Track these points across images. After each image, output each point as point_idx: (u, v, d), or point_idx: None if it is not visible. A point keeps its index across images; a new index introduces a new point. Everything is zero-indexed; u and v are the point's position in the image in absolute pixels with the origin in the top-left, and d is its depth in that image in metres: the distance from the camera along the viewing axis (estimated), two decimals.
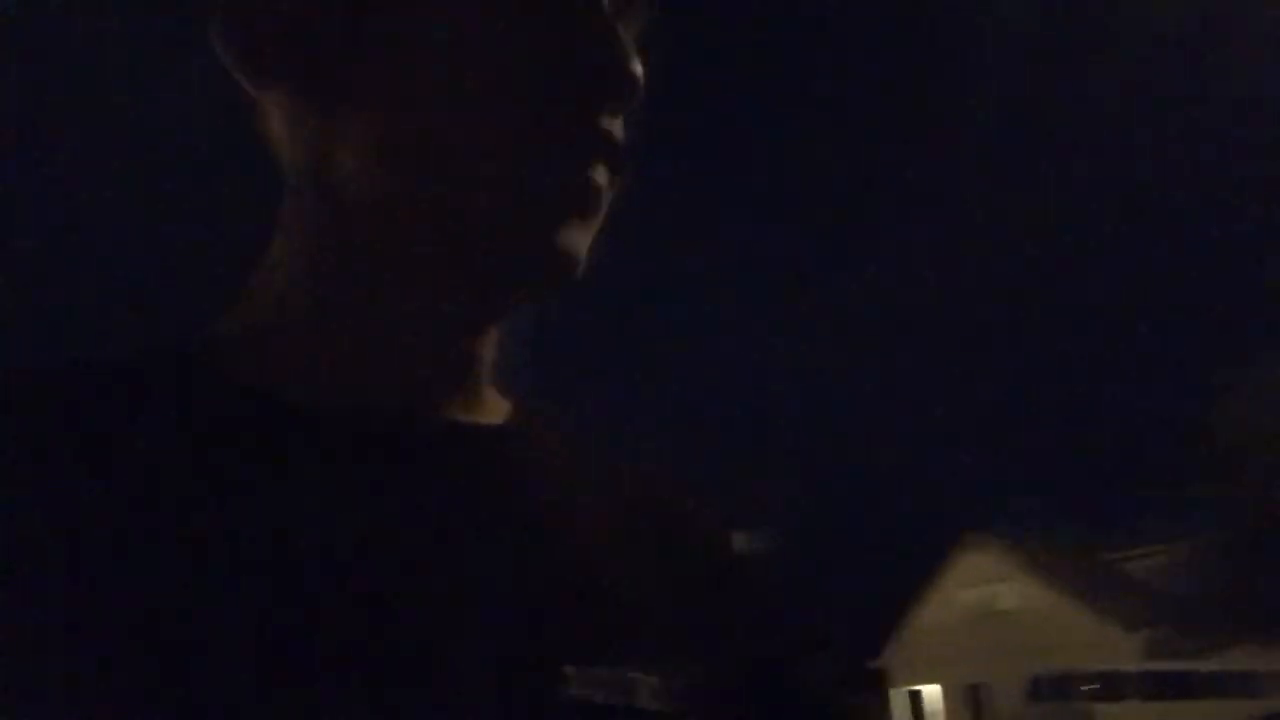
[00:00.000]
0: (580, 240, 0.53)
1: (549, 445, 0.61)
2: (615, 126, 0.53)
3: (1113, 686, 18.64)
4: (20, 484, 0.46)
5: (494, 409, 0.60)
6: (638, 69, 0.53)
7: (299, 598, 0.45)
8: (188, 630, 0.43)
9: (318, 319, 0.54)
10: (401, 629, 0.46)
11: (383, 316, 0.54)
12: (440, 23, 0.51)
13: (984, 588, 27.11)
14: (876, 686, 28.96)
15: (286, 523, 0.47)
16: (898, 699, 28.96)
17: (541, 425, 0.62)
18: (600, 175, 0.52)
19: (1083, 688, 18.64)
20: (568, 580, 0.54)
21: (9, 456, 0.47)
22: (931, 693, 28.48)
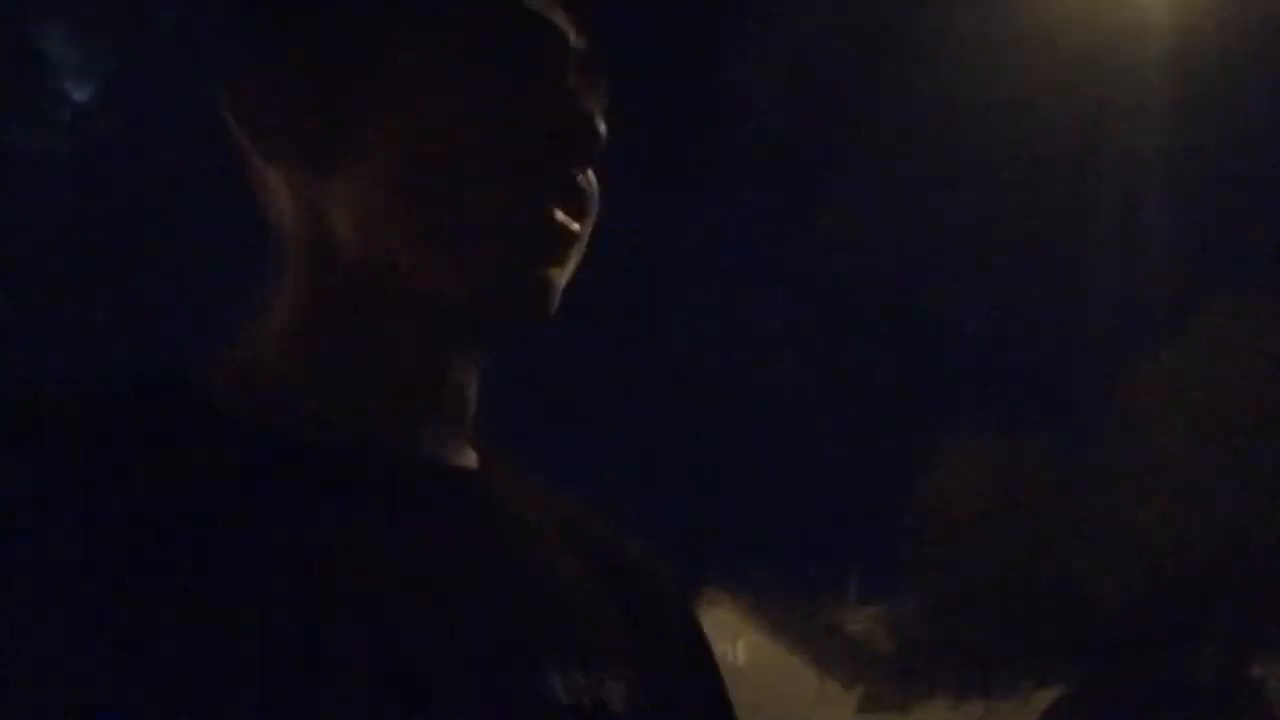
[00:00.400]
0: (556, 280, 0.56)
1: (516, 488, 0.63)
2: (583, 179, 0.57)
3: None
4: (16, 511, 0.46)
5: (470, 450, 0.62)
6: (600, 128, 0.56)
7: (276, 626, 0.46)
8: (176, 659, 0.44)
9: (309, 361, 0.56)
10: (376, 657, 0.48)
11: (371, 361, 0.56)
12: (423, 99, 0.54)
13: (720, 645, 27.75)
14: None
15: (269, 552, 0.49)
16: None
17: (509, 467, 0.64)
18: (571, 222, 0.56)
19: None
20: (533, 611, 0.56)
21: (7, 482, 0.47)
22: None
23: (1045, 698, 15.01)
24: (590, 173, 0.58)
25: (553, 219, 0.55)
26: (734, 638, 27.94)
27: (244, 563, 0.48)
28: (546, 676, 0.53)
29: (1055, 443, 16.36)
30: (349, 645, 0.47)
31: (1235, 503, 13.90)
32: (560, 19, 0.59)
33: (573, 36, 0.59)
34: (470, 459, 0.61)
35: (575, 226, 0.56)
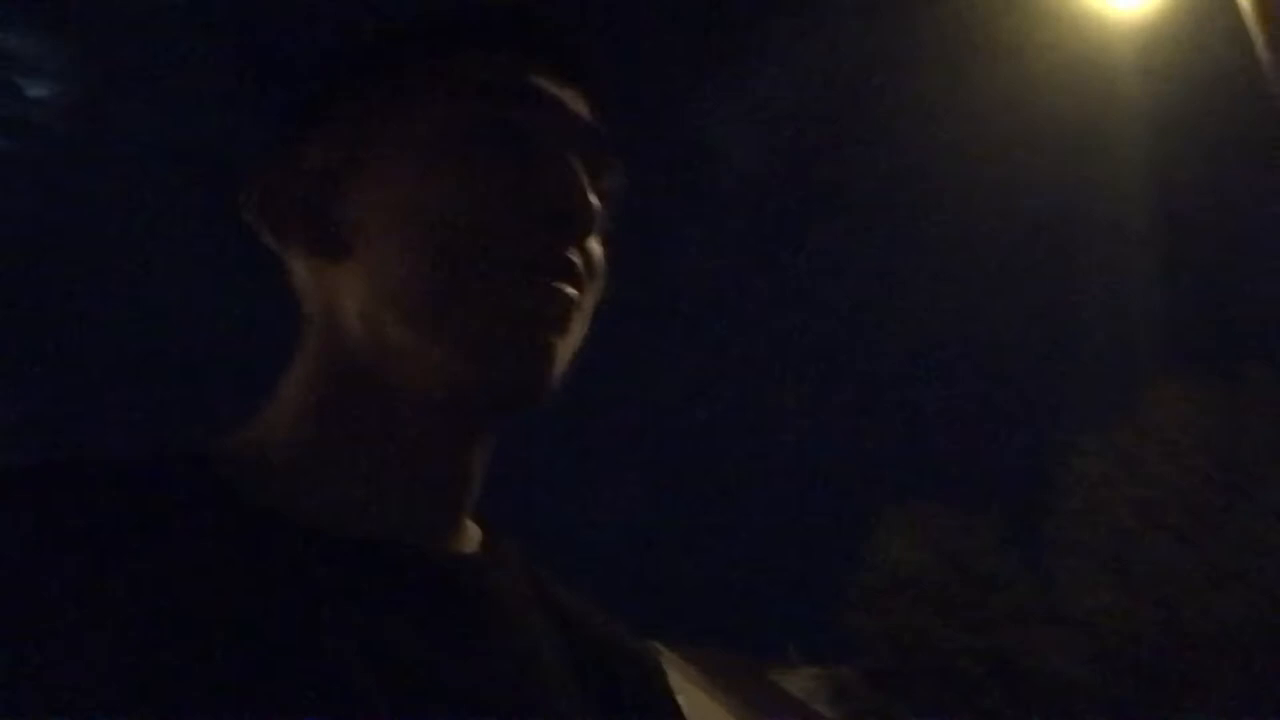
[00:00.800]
0: (558, 357, 0.57)
1: (512, 574, 0.63)
2: (576, 254, 0.58)
3: None
4: (27, 580, 0.47)
5: (470, 536, 0.63)
6: (592, 204, 0.58)
7: (276, 701, 0.47)
8: None
9: (315, 445, 0.57)
10: None
11: (378, 445, 0.57)
12: (420, 191, 0.56)
13: None
14: None
15: (272, 632, 0.49)
16: None
17: (507, 554, 0.64)
18: (568, 288, 0.57)
19: None
20: (530, 697, 0.56)
21: (20, 551, 0.48)
22: None
23: None
24: (592, 243, 0.60)
25: (550, 307, 0.56)
26: (678, 692, 27.73)
27: (235, 649, 0.48)
28: None
29: (1005, 520, 16.55)
30: None
31: (1179, 588, 14.09)
32: (560, 94, 0.60)
33: (572, 110, 0.61)
34: (470, 542, 0.62)
35: (572, 291, 0.57)
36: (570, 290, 0.57)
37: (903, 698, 16.36)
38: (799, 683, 26.62)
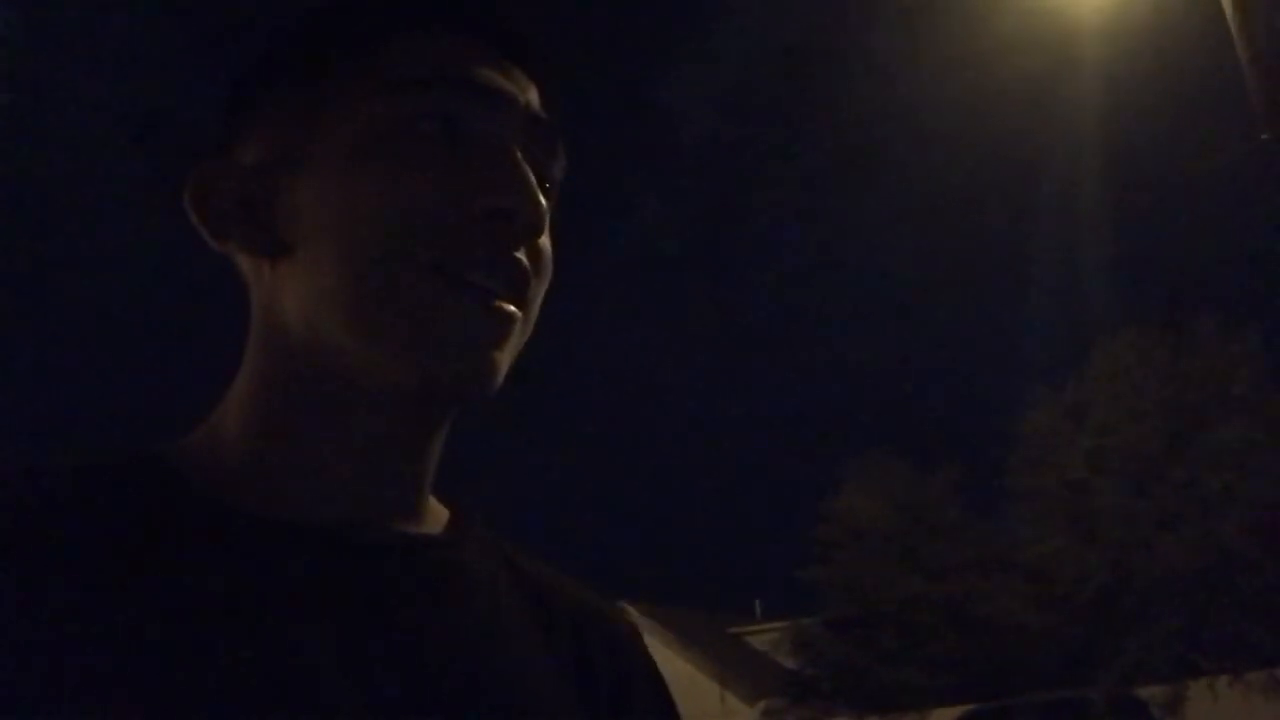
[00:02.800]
0: (500, 356, 0.56)
1: (479, 551, 0.63)
2: (526, 252, 0.57)
3: None
4: None
5: (433, 517, 0.62)
6: (539, 202, 0.56)
7: (236, 693, 0.47)
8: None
9: (266, 439, 0.57)
10: None
11: (325, 438, 0.57)
12: (358, 190, 0.55)
13: None
14: None
15: (230, 621, 0.50)
16: None
17: (474, 532, 0.64)
18: (509, 306, 0.56)
19: None
20: (497, 676, 0.56)
21: None
22: None
23: (943, 717, 15.34)
24: (540, 240, 0.58)
25: (490, 306, 0.55)
26: (652, 659, 27.84)
27: (188, 639, 0.49)
28: None
29: (960, 472, 16.82)
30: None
31: (1128, 534, 14.44)
32: (503, 81, 0.58)
33: (516, 98, 0.59)
34: (433, 523, 0.62)
35: (512, 310, 0.56)
36: (510, 307, 0.56)
37: (863, 646, 16.64)
38: (763, 636, 26.94)
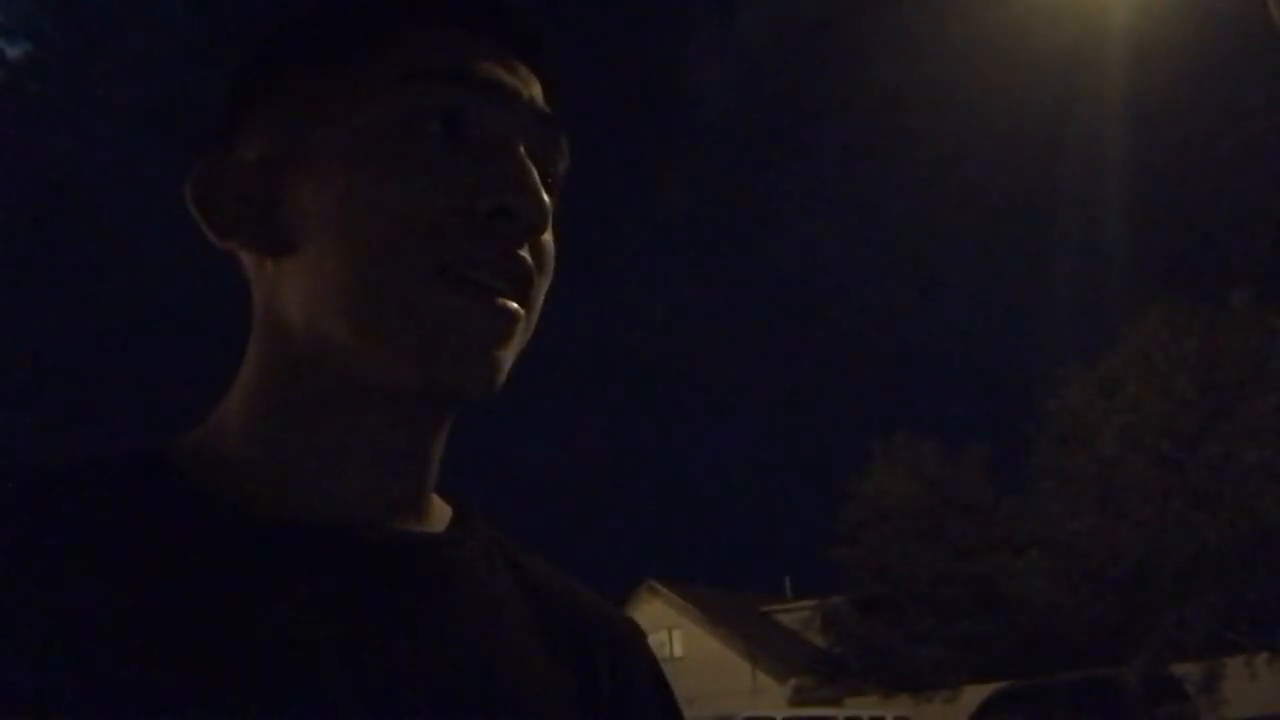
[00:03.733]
0: (503, 355, 0.56)
1: (480, 550, 0.63)
2: (527, 252, 0.56)
3: None
4: None
5: (436, 516, 0.62)
6: (543, 201, 0.56)
7: (235, 688, 0.48)
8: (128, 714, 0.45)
9: (267, 438, 0.57)
10: None
11: (327, 436, 0.57)
12: (363, 190, 0.54)
13: (656, 635, 28.06)
14: None
15: (231, 618, 0.50)
16: None
17: (476, 531, 0.64)
18: (512, 304, 0.56)
19: None
20: (497, 677, 0.56)
21: None
22: None
23: (974, 695, 15.28)
24: (543, 238, 0.58)
25: (493, 305, 0.55)
26: (670, 629, 28.19)
27: (189, 637, 0.49)
28: None
29: (989, 450, 16.70)
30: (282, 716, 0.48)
31: (1162, 510, 14.28)
32: (507, 76, 0.58)
33: (521, 94, 0.58)
34: (436, 522, 0.62)
35: (516, 308, 0.56)
36: (514, 306, 0.56)
37: (892, 625, 16.61)
38: (792, 615, 27.00)
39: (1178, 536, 14.06)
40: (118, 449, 0.58)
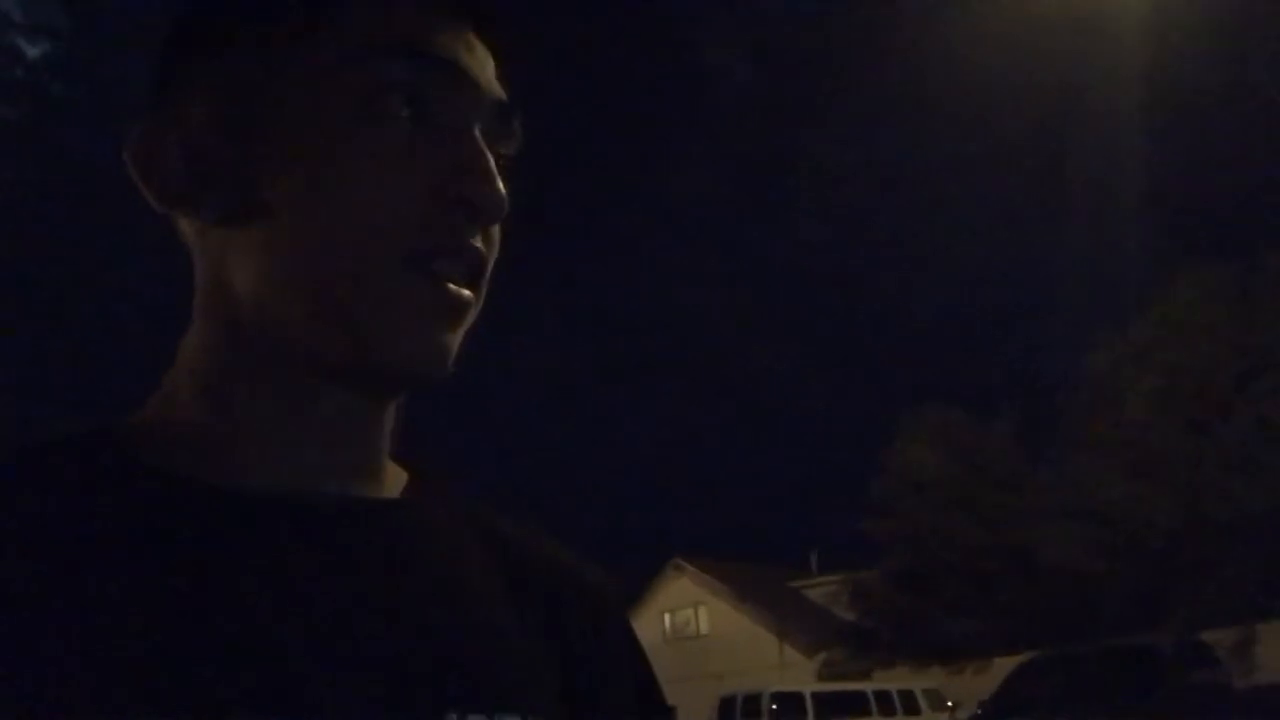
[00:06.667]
0: (454, 340, 0.56)
1: (441, 513, 0.62)
2: (480, 241, 0.56)
3: (792, 706, 19.96)
4: None
5: (393, 481, 0.62)
6: (501, 192, 0.56)
7: (193, 661, 0.48)
8: (87, 687, 0.46)
9: (214, 409, 0.56)
10: (288, 695, 0.48)
11: (275, 409, 0.56)
12: (323, 170, 0.53)
13: (684, 611, 28.19)
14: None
15: (182, 589, 0.50)
16: None
17: (435, 494, 0.64)
18: (464, 291, 0.56)
19: (766, 708, 19.82)
20: (458, 640, 0.56)
21: None
22: None
23: (1005, 666, 15.21)
24: (486, 234, 0.57)
25: (449, 293, 0.55)
26: (696, 605, 28.32)
27: (146, 611, 0.48)
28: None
29: (1020, 419, 16.57)
30: (237, 702, 0.48)
31: (1196, 476, 14.15)
32: (466, 54, 0.57)
33: (479, 76, 0.58)
34: (392, 487, 0.62)
35: (469, 296, 0.56)
36: (468, 294, 0.56)
37: (924, 597, 16.58)
38: (820, 589, 27.05)
39: (1211, 502, 13.93)
40: (64, 432, 0.57)
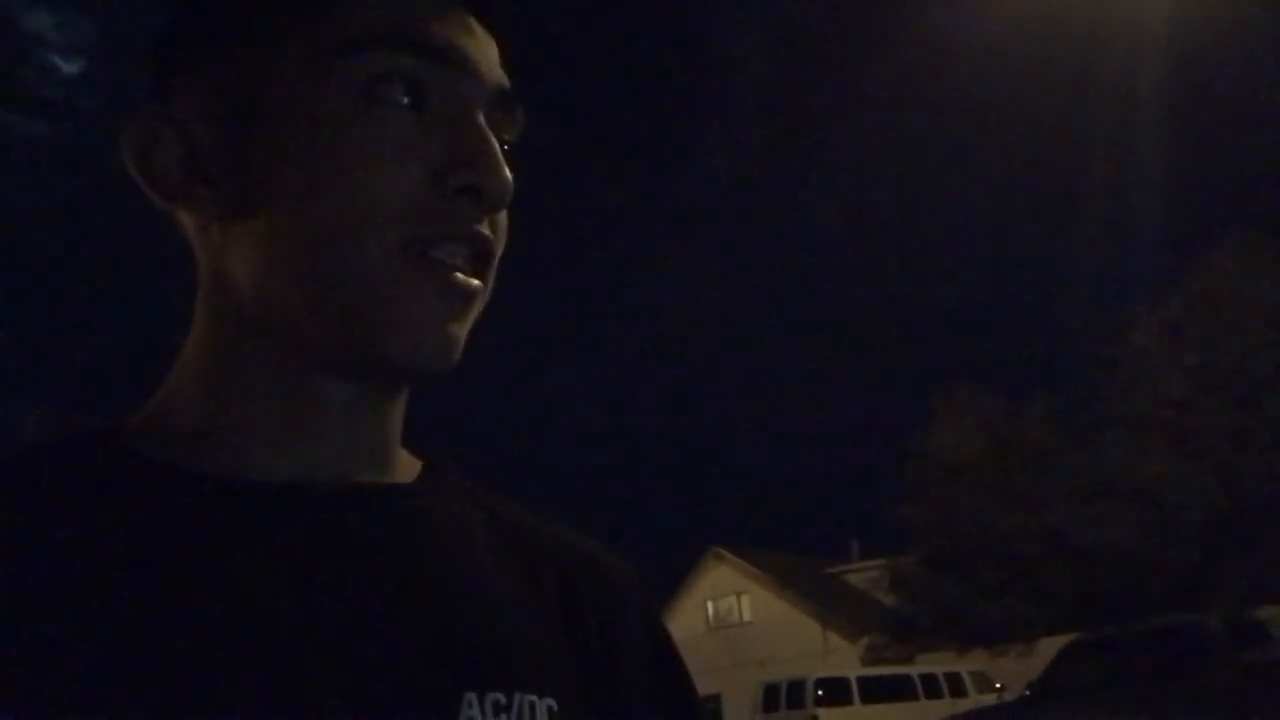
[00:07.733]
0: (461, 330, 0.55)
1: (452, 498, 0.62)
2: (486, 228, 0.55)
3: (836, 691, 19.92)
4: None
5: (403, 469, 0.61)
6: (507, 179, 0.55)
7: (201, 650, 0.48)
8: (94, 683, 0.45)
9: (217, 403, 0.56)
10: (277, 705, 0.48)
11: (280, 402, 0.56)
12: (325, 160, 0.52)
13: (726, 599, 28.19)
14: None
15: (186, 579, 0.49)
16: None
17: (446, 481, 0.63)
18: (471, 280, 0.55)
19: (810, 694, 19.79)
20: (473, 622, 0.56)
21: None
22: None
23: (1050, 647, 15.10)
24: (493, 220, 0.57)
25: (455, 282, 0.54)
26: (739, 594, 28.29)
27: (155, 605, 0.48)
28: (461, 713, 0.52)
29: (1057, 398, 16.39)
30: (250, 693, 0.47)
31: (1237, 453, 13.93)
32: (468, 41, 0.56)
33: (482, 62, 0.57)
34: (403, 475, 0.61)
35: (476, 284, 0.56)
36: (475, 282, 0.55)
37: (963, 581, 16.46)
38: (861, 575, 26.93)
39: (1255, 479, 13.71)
40: (68, 431, 0.57)
